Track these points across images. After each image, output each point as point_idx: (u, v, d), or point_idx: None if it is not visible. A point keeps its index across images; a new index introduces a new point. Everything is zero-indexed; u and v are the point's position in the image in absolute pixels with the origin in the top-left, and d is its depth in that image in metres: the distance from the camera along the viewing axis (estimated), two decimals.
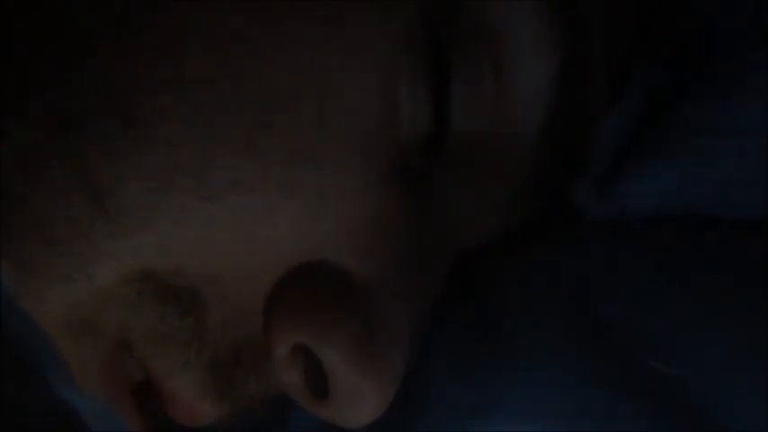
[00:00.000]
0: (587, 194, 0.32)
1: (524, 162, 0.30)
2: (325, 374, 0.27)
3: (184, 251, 0.26)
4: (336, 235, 0.27)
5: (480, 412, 0.29)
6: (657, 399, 0.28)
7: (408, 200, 0.28)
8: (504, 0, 0.28)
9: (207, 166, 0.25)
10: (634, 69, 0.31)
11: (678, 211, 0.31)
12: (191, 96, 0.25)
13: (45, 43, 0.26)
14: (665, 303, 0.30)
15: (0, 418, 0.17)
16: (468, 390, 0.30)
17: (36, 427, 0.17)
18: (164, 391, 0.28)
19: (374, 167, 0.27)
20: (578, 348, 0.29)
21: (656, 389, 0.28)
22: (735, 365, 0.28)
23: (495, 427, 0.29)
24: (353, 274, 0.27)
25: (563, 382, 0.29)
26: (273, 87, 0.26)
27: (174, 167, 0.25)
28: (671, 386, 0.28)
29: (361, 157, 0.27)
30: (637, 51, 0.31)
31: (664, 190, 0.31)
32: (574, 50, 0.29)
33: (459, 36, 0.28)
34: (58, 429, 0.17)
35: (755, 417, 0.27)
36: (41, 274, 0.25)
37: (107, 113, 0.25)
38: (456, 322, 0.31)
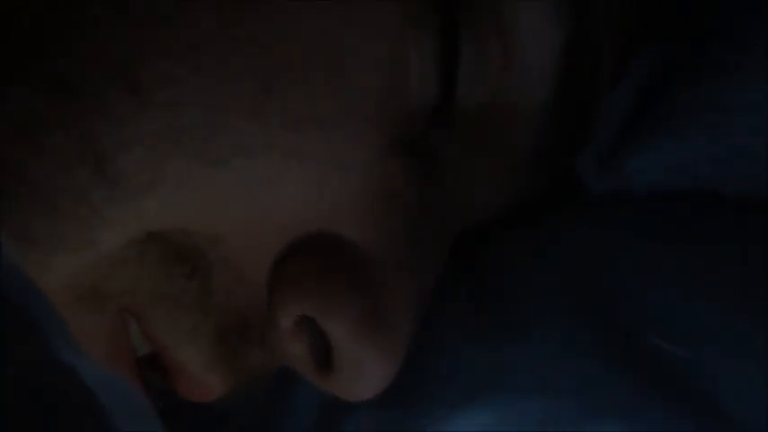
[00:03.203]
0: (591, 169, 0.31)
1: (530, 135, 0.30)
2: (329, 347, 0.27)
3: (188, 215, 0.26)
4: (342, 205, 0.27)
5: (481, 386, 0.29)
6: (657, 374, 0.28)
7: (415, 171, 0.28)
8: None
9: (210, 130, 0.25)
10: (640, 44, 0.31)
11: (682, 186, 0.31)
12: (194, 61, 0.25)
13: (46, 9, 0.25)
14: (666, 279, 0.29)
15: (3, 382, 0.17)
16: (469, 364, 0.30)
17: (40, 392, 0.17)
18: (170, 364, 0.28)
19: (381, 138, 0.27)
20: (579, 323, 0.29)
21: (657, 364, 0.28)
22: (735, 342, 0.28)
23: (496, 401, 0.29)
24: (359, 246, 0.27)
25: (564, 357, 0.29)
26: (280, 53, 0.26)
27: (177, 131, 0.25)
28: (671, 362, 0.28)
29: (368, 126, 0.27)
30: (643, 26, 0.31)
31: (668, 165, 0.31)
32: (581, 23, 0.29)
33: (467, 7, 0.27)
34: (62, 394, 0.17)
35: (754, 394, 0.27)
36: (44, 243, 0.25)
37: (109, 78, 0.25)
38: (458, 296, 0.31)
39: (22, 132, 0.25)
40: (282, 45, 0.26)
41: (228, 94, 0.25)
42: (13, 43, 0.25)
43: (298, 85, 0.26)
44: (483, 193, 0.30)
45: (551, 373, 0.29)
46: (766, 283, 0.29)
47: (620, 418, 0.28)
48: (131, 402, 0.20)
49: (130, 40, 0.25)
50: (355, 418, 0.30)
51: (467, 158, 0.29)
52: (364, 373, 0.27)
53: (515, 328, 0.30)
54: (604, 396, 0.28)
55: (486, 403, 0.29)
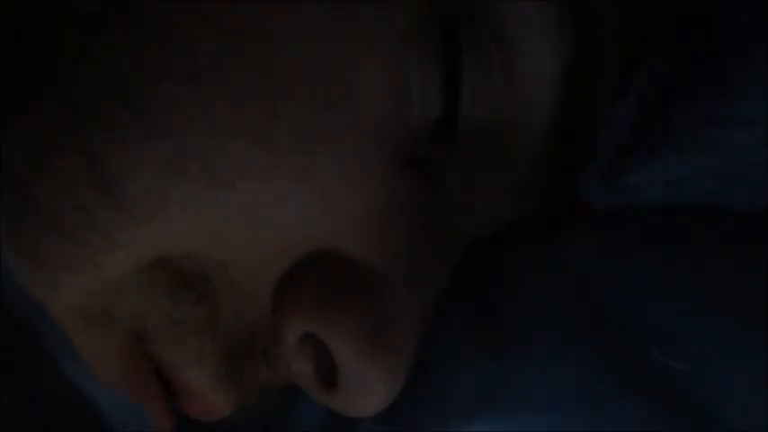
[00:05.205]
0: (592, 183, 0.32)
1: (533, 150, 0.30)
2: (334, 364, 0.27)
3: (195, 238, 0.26)
4: (347, 223, 0.27)
5: (482, 402, 0.29)
6: (658, 388, 0.28)
7: (419, 187, 0.28)
8: None
9: (217, 153, 0.25)
10: (643, 59, 0.31)
11: (683, 201, 0.31)
12: (200, 84, 0.25)
13: (53, 34, 0.26)
14: (666, 293, 0.30)
15: (14, 407, 0.17)
16: (469, 380, 0.30)
17: (52, 416, 0.17)
18: (177, 384, 0.28)
19: (385, 154, 0.27)
20: (580, 337, 0.30)
21: (657, 378, 0.28)
22: (735, 355, 0.28)
23: (499, 418, 0.29)
24: (364, 263, 0.27)
25: (565, 372, 0.29)
26: (284, 74, 0.26)
27: (183, 155, 0.25)
28: (672, 375, 0.28)
29: (372, 144, 0.27)
30: (646, 41, 0.31)
31: (668, 180, 0.31)
32: (583, 38, 0.29)
33: (470, 23, 0.28)
34: (73, 418, 0.17)
35: (755, 408, 0.27)
36: (52, 264, 0.25)
37: (116, 102, 0.25)
38: (459, 311, 0.31)
39: (31, 155, 0.25)
40: (285, 67, 0.26)
41: (233, 117, 0.25)
42: (22, 68, 0.25)
43: (301, 105, 0.26)
44: (485, 209, 0.30)
45: (552, 389, 0.29)
46: (767, 296, 0.29)
47: None
48: (140, 421, 0.20)
49: (136, 64, 0.25)
50: None
51: (469, 174, 0.29)
52: (368, 390, 0.27)
53: (516, 344, 0.30)
54: (605, 411, 0.28)
55: (486, 419, 0.29)
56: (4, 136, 0.25)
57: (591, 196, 0.32)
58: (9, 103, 0.25)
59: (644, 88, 0.31)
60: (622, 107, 0.31)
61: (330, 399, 0.28)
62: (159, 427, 0.28)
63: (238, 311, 0.28)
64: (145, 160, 0.25)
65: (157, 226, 0.26)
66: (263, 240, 0.27)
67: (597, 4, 0.29)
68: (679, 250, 0.30)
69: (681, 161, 0.30)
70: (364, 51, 0.27)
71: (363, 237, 0.27)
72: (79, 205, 0.25)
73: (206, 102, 0.25)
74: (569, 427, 0.28)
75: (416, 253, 0.28)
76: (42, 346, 0.18)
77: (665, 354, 0.28)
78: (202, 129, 0.25)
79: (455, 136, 0.29)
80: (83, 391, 0.18)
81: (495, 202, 0.31)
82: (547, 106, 0.29)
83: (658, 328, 0.29)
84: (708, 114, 0.30)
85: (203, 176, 0.25)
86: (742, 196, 0.30)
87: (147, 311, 0.27)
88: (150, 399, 0.28)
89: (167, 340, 0.27)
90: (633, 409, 0.28)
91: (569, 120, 0.30)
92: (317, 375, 0.28)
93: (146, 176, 0.25)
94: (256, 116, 0.26)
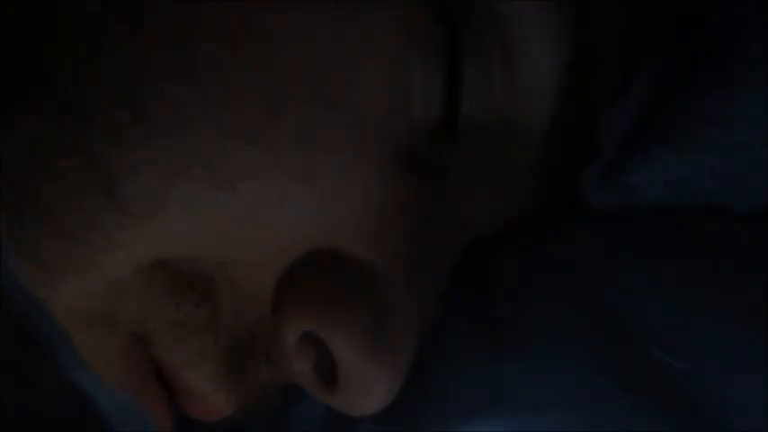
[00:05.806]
0: (592, 183, 0.32)
1: (533, 150, 0.30)
2: (334, 362, 0.27)
3: (196, 239, 0.26)
4: (348, 222, 0.27)
5: (482, 402, 0.29)
6: (658, 387, 0.28)
7: (420, 186, 0.28)
8: None
9: (217, 153, 0.25)
10: (643, 59, 0.31)
11: (683, 200, 0.31)
12: (201, 85, 0.25)
13: (53, 34, 0.26)
14: (666, 293, 0.30)
15: (14, 407, 0.17)
16: (469, 380, 0.30)
17: (52, 416, 0.17)
18: (177, 384, 0.28)
19: (386, 154, 0.27)
20: (580, 338, 0.30)
21: (658, 378, 0.28)
22: (735, 355, 0.28)
23: (499, 418, 0.29)
24: (364, 262, 0.27)
25: (564, 372, 0.29)
26: (284, 74, 0.26)
27: (184, 156, 0.25)
28: (672, 375, 0.28)
29: (373, 143, 0.27)
30: (646, 41, 0.31)
31: (668, 180, 0.31)
32: (583, 38, 0.29)
33: (470, 22, 0.28)
34: (73, 418, 0.17)
35: (755, 408, 0.27)
36: (54, 265, 0.25)
37: (117, 103, 0.25)
38: (459, 312, 0.31)
39: (33, 156, 0.25)
40: (285, 67, 0.26)
41: (233, 118, 0.25)
42: (24, 69, 0.25)
43: (301, 105, 0.26)
44: (485, 209, 0.31)
45: (552, 389, 0.29)
46: (767, 296, 0.29)
47: None
48: (140, 421, 0.20)
49: (136, 65, 0.25)
50: None
51: (469, 174, 0.30)
52: (368, 388, 0.27)
53: (516, 344, 0.30)
54: (605, 411, 0.28)
55: (486, 419, 0.29)
56: (4, 136, 0.25)
57: (591, 196, 0.32)
58: (9, 103, 0.25)
59: (644, 88, 0.31)
60: (622, 107, 0.31)
61: (330, 398, 0.28)
62: (160, 428, 0.28)
63: (239, 311, 0.28)
64: (145, 160, 0.25)
65: (158, 226, 0.26)
66: (263, 240, 0.27)
67: (597, 4, 0.29)
68: (679, 250, 0.31)
69: (681, 161, 0.30)
70: (364, 51, 0.27)
71: (363, 236, 0.27)
72: (79, 206, 0.25)
73: (206, 102, 0.25)
74: (569, 426, 0.28)
75: (416, 253, 0.28)
76: (42, 346, 0.18)
77: (665, 353, 0.28)
78: (202, 129, 0.25)
79: (455, 136, 0.29)
80: (83, 391, 0.18)
81: (496, 201, 0.31)
82: (547, 106, 0.29)
83: (658, 328, 0.29)
84: (708, 114, 0.30)
85: (203, 177, 0.25)
86: (742, 196, 0.30)
87: (148, 312, 0.27)
88: (151, 399, 0.28)
89: (168, 341, 0.27)
90: (633, 408, 0.28)
91: (569, 120, 0.30)
92: (317, 374, 0.28)
93: (146, 177, 0.25)
94: (256, 116, 0.26)
